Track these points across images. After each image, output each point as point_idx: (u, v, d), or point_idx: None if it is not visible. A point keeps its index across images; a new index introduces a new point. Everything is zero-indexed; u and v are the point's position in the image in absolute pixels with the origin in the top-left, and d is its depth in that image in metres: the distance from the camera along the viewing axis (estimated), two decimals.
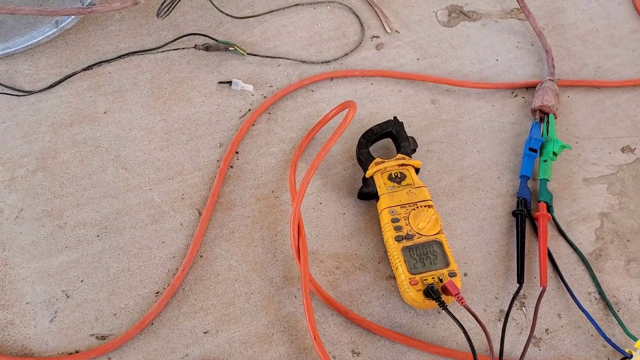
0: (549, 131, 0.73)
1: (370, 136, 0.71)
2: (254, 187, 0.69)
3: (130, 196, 0.68)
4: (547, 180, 0.70)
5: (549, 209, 0.68)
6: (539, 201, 0.69)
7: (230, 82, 0.76)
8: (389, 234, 0.62)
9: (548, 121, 0.74)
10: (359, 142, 0.70)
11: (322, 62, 0.80)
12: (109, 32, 0.80)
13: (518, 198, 0.69)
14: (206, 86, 0.76)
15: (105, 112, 0.73)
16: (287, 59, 0.80)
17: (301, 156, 0.72)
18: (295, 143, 0.73)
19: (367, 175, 0.68)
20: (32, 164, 0.69)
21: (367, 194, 0.67)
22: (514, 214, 0.68)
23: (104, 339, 0.59)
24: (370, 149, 0.71)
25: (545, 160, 0.71)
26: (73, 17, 0.75)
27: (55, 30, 0.75)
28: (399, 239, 0.62)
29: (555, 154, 0.71)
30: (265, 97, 0.76)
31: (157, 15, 0.76)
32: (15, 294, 0.61)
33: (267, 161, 0.71)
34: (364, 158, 0.69)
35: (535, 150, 0.71)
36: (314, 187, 0.70)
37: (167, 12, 0.76)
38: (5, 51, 0.76)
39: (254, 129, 0.74)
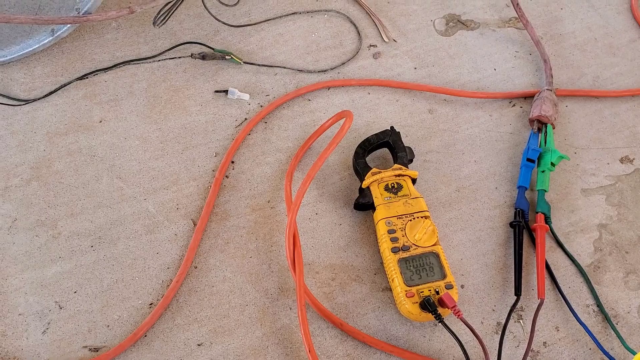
0: (547, 141, 0.73)
1: (367, 146, 0.70)
2: (250, 197, 0.69)
3: (125, 206, 0.67)
4: (545, 191, 0.69)
5: (547, 220, 0.68)
6: (537, 212, 0.68)
7: (226, 91, 0.76)
8: (385, 245, 0.62)
9: (546, 131, 0.73)
10: (355, 152, 0.70)
11: (318, 71, 0.80)
12: (105, 40, 0.79)
13: (515, 209, 0.68)
14: (202, 95, 0.76)
15: (100, 121, 0.73)
16: (284, 67, 0.79)
17: (297, 166, 0.71)
18: (292, 153, 0.73)
19: (363, 186, 0.67)
20: (27, 174, 0.69)
21: (364, 204, 0.66)
22: (511, 225, 0.68)
23: (97, 351, 0.59)
24: (367, 158, 0.70)
25: (543, 171, 0.70)
26: (69, 25, 0.74)
27: (51, 38, 0.75)
28: (395, 250, 0.61)
29: (553, 164, 0.70)
30: (261, 106, 0.76)
31: (154, 23, 0.75)
32: (7, 304, 0.61)
33: (263, 171, 0.71)
34: (360, 168, 0.68)
35: (533, 161, 0.71)
36: (310, 197, 0.69)
37: (164, 21, 0.76)
38: (1, 60, 0.75)
39: (250, 138, 0.74)
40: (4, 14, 0.66)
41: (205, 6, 0.77)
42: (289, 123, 0.75)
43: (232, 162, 0.71)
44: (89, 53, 0.78)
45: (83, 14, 0.72)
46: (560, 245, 0.67)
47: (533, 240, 0.67)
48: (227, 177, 0.70)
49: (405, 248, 0.61)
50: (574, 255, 0.66)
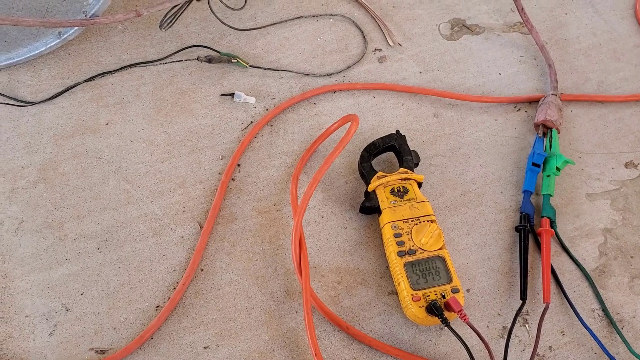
0: (552, 146, 0.73)
1: (373, 150, 0.70)
2: (256, 200, 0.69)
3: (132, 208, 0.67)
4: (550, 195, 0.70)
5: (552, 224, 0.68)
6: (542, 217, 0.68)
7: (232, 94, 0.76)
8: (391, 249, 0.62)
9: (551, 136, 0.74)
10: (361, 155, 0.70)
11: (324, 75, 0.80)
12: (112, 43, 0.80)
13: (521, 213, 0.69)
14: (208, 98, 0.76)
15: (107, 124, 0.73)
16: (290, 71, 0.80)
17: (303, 169, 0.71)
18: (297, 156, 0.73)
19: (369, 189, 0.67)
20: (33, 175, 0.69)
21: (370, 208, 0.66)
22: (517, 229, 0.68)
23: (104, 353, 0.59)
24: (373, 162, 0.70)
25: (548, 176, 0.70)
26: (76, 28, 0.75)
27: (58, 41, 0.75)
28: (401, 254, 0.61)
29: (558, 169, 0.71)
30: (267, 109, 0.76)
31: (160, 26, 0.76)
32: (14, 306, 0.61)
33: (269, 174, 0.71)
34: (366, 172, 0.69)
35: (538, 165, 0.71)
36: (315, 200, 0.69)
37: (170, 24, 0.76)
38: (8, 62, 0.75)
39: (255, 141, 0.74)
40: (12, 16, 0.67)
41: (211, 10, 0.77)
42: (295, 126, 0.75)
43: (238, 165, 0.72)
44: (96, 55, 0.78)
45: (90, 17, 0.72)
46: (565, 249, 0.67)
47: (538, 244, 0.67)
48: (233, 180, 0.70)
49: (411, 252, 0.61)
50: (579, 260, 0.67)
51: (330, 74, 0.80)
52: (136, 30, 0.81)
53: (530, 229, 0.68)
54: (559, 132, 0.75)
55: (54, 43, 0.75)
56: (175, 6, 0.75)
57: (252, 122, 0.75)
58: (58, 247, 0.64)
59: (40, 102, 0.74)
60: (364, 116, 0.77)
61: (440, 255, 0.61)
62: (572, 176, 0.73)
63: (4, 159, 0.70)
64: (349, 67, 0.81)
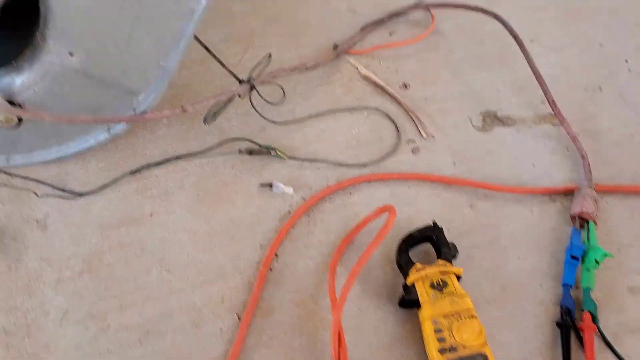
0: (589, 238, 0.73)
1: (410, 241, 0.71)
2: (293, 292, 0.70)
3: (173, 299, 0.68)
4: (591, 289, 0.69)
5: (594, 319, 0.67)
6: (583, 311, 0.67)
7: (271, 185, 0.78)
8: (432, 345, 0.61)
9: (588, 228, 0.74)
10: (398, 247, 0.71)
11: (359, 165, 0.82)
12: (157, 136, 0.84)
13: (561, 307, 0.68)
14: (248, 189, 0.79)
15: (151, 215, 0.76)
16: (326, 162, 0.82)
17: (340, 259, 0.72)
18: (334, 246, 0.74)
19: (408, 282, 0.67)
20: (79, 266, 0.71)
21: (409, 301, 0.66)
22: (558, 324, 0.67)
23: None
24: (410, 252, 0.71)
25: (587, 269, 0.70)
26: (125, 124, 0.79)
27: (107, 136, 0.79)
28: (442, 351, 0.61)
29: (597, 262, 0.70)
30: (304, 199, 0.78)
31: (204, 122, 0.79)
32: None
33: (306, 264, 0.72)
34: (404, 264, 0.69)
35: (577, 258, 0.71)
36: (353, 293, 0.70)
37: (214, 119, 0.80)
38: (59, 155, 0.79)
39: (293, 231, 0.75)
40: (68, 114, 0.71)
41: (252, 105, 0.81)
42: (331, 216, 0.77)
43: (276, 255, 0.73)
44: (142, 149, 0.82)
45: (140, 113, 0.76)
46: (609, 346, 0.66)
47: (580, 339, 0.66)
48: (271, 270, 0.71)
49: (452, 349, 0.61)
50: (625, 358, 0.65)
51: (365, 165, 0.82)
52: (181, 124, 0.85)
53: (572, 323, 0.67)
54: (595, 224, 0.75)
55: (103, 138, 0.79)
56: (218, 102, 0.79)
57: (289, 211, 0.77)
58: (101, 338, 0.65)
59: (87, 193, 0.77)
60: (399, 206, 0.77)
61: (482, 352, 0.61)
62: (611, 269, 0.72)
63: (52, 249, 0.72)
64: (383, 158, 0.83)
